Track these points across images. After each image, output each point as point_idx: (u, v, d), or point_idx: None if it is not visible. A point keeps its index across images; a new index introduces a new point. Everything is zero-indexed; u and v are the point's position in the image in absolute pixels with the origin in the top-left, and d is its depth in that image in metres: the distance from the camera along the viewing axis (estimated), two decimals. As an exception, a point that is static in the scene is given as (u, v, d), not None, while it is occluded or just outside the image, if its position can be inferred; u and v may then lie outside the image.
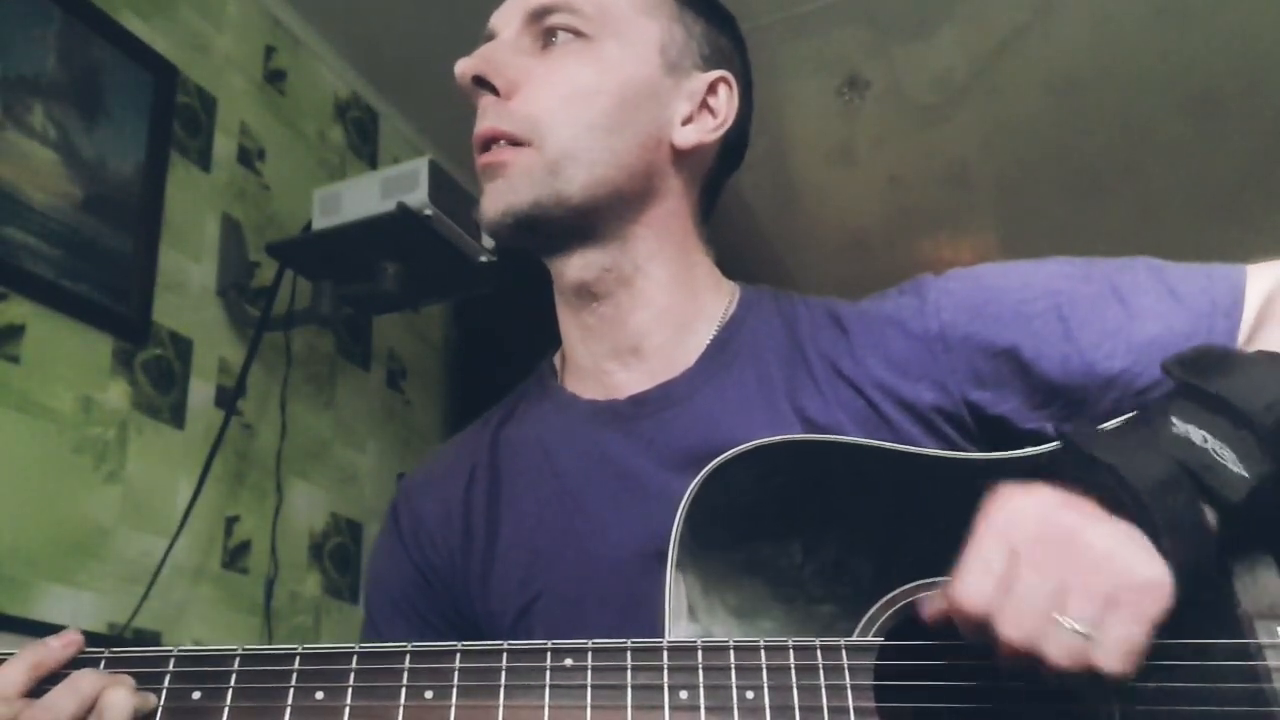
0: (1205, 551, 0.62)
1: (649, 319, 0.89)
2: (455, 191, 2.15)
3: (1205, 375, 0.67)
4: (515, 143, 0.85)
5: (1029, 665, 0.61)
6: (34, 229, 1.76)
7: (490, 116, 0.86)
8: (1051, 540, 0.61)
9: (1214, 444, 0.63)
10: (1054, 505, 0.63)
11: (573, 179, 0.84)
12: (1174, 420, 0.65)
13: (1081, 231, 3.35)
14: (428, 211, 2.07)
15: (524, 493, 0.89)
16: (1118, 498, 0.62)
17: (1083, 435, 0.67)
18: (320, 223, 2.14)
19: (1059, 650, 0.59)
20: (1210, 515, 0.62)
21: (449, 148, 2.80)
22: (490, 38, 0.90)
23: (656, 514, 0.74)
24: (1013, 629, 0.60)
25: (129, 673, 0.70)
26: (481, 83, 0.87)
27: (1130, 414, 0.72)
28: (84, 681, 0.69)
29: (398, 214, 2.05)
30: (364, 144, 2.69)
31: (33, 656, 0.70)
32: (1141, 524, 0.61)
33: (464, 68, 0.87)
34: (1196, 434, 0.64)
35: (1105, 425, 0.73)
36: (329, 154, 2.55)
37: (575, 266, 0.88)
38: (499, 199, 0.85)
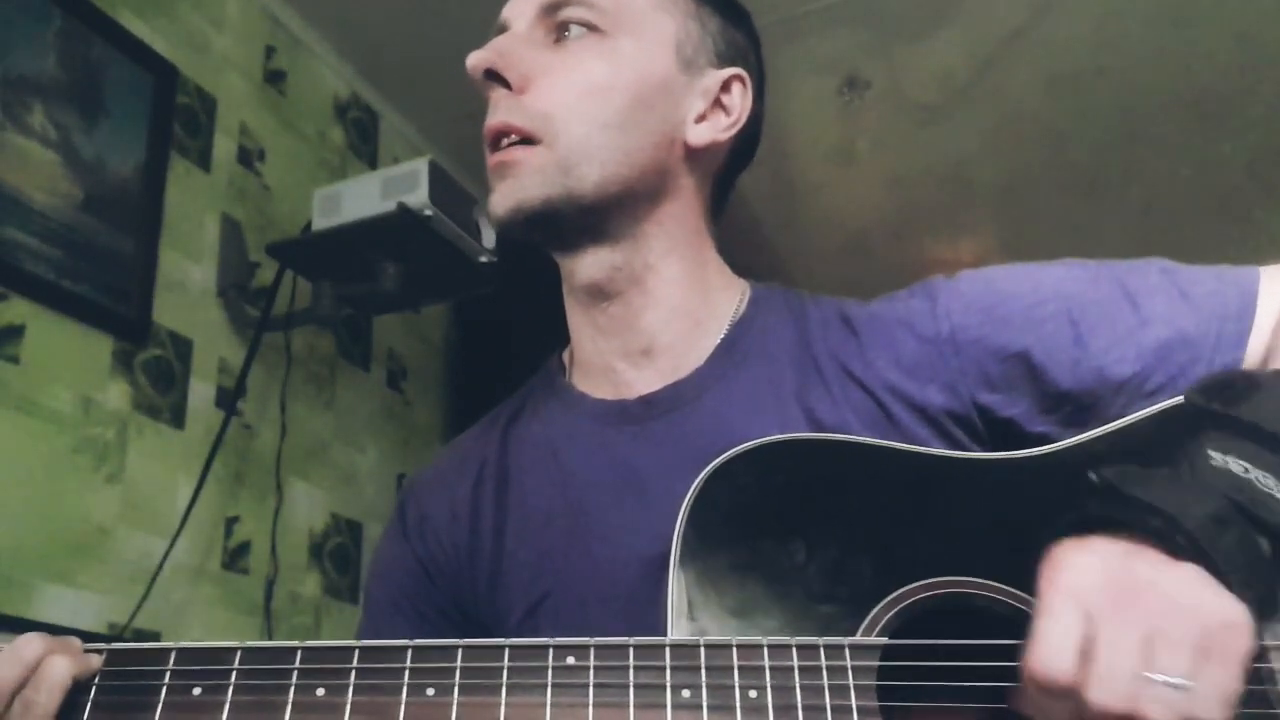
0: (1269, 582, 0.60)
1: (660, 318, 0.88)
2: (455, 191, 2.15)
3: (1233, 401, 0.66)
4: (526, 139, 0.84)
5: None
6: (34, 229, 1.75)
7: (502, 111, 0.84)
8: (1125, 594, 0.58)
9: (1256, 473, 0.61)
10: (1117, 556, 0.60)
11: (585, 177, 0.83)
12: (1211, 453, 0.62)
13: (1081, 231, 3.34)
14: (428, 211, 2.06)
15: (531, 492, 0.89)
16: (1173, 541, 0.59)
17: (1122, 477, 0.63)
18: (320, 223, 2.14)
19: (1159, 710, 0.55)
20: (1265, 545, 0.60)
21: (449, 148, 2.80)
22: (502, 30, 0.88)
23: (663, 515, 0.74)
24: (1106, 695, 0.55)
25: (129, 669, 0.69)
26: (494, 76, 0.85)
27: (1139, 413, 0.72)
28: (28, 648, 0.69)
29: (398, 214, 2.05)
30: (364, 144, 2.69)
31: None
32: (1205, 565, 0.59)
33: (476, 60, 0.85)
34: (1236, 465, 0.61)
35: (1113, 425, 0.73)
36: (329, 154, 2.55)
37: (587, 265, 0.87)
38: (509, 197, 0.84)
